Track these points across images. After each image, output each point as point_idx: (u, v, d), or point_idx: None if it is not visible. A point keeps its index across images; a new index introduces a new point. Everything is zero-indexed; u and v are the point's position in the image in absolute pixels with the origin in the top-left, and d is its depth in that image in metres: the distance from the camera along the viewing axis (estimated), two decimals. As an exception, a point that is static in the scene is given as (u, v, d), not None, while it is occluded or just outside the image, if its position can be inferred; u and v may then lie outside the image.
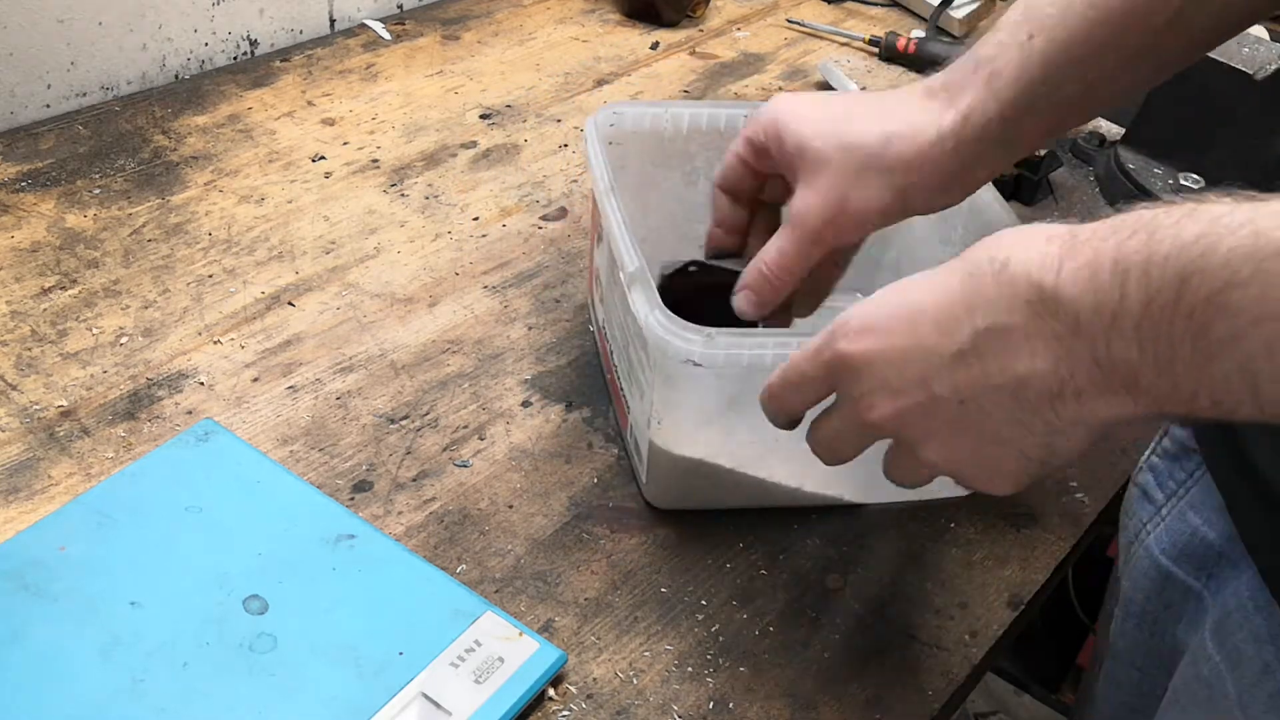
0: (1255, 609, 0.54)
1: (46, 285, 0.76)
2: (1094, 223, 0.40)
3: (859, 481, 0.66)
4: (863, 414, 0.47)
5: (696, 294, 0.62)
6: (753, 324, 0.61)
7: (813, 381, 0.49)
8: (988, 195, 0.68)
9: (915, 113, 0.55)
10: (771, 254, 0.58)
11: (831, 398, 0.49)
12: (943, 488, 0.67)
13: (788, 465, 0.64)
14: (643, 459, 0.64)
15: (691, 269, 0.64)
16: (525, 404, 0.72)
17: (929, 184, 0.55)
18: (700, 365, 0.56)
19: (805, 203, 0.57)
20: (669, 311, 0.57)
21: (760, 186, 0.62)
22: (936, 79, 0.56)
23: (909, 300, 0.45)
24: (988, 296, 0.41)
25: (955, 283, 0.43)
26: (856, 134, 0.56)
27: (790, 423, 0.52)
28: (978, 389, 0.42)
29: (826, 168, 0.56)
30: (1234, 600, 0.56)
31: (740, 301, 0.60)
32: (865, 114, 0.56)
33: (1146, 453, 0.66)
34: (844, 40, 1.20)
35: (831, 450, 0.51)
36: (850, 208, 0.56)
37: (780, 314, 0.62)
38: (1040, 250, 0.40)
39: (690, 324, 0.56)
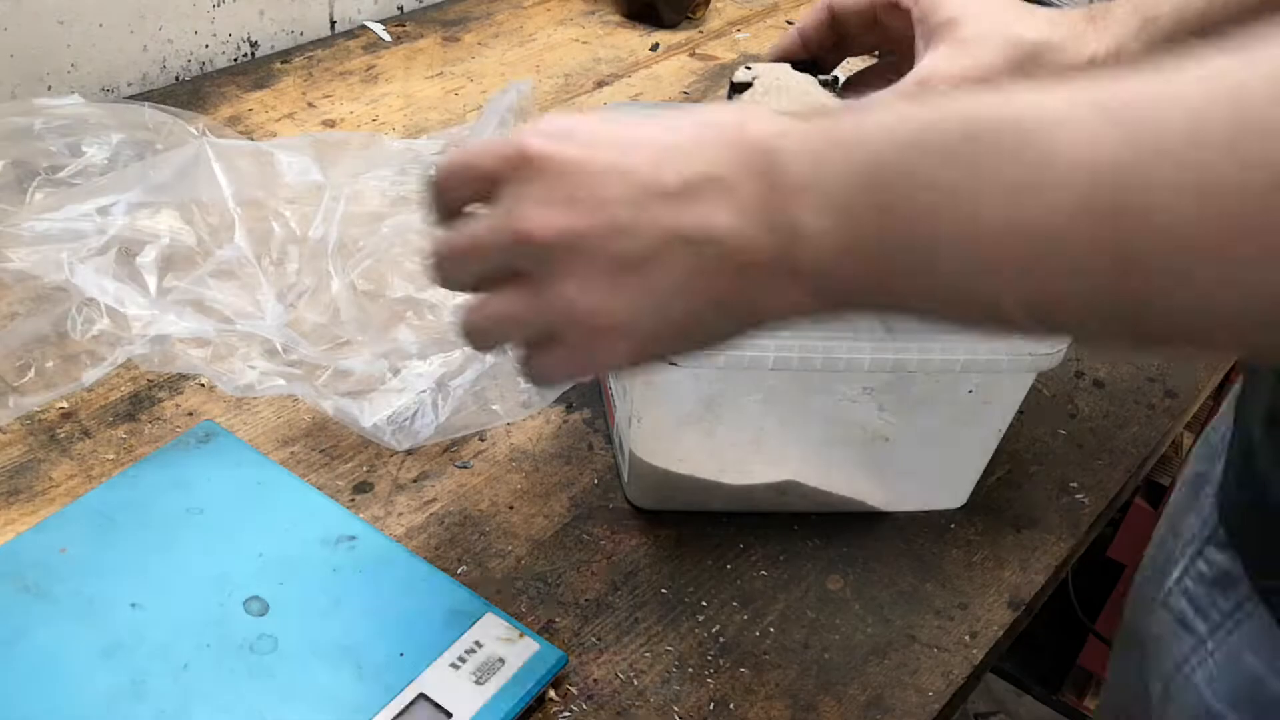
0: None
1: (47, 287, 0.76)
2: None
3: (846, 488, 0.66)
4: (519, 221, 0.40)
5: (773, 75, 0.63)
6: None
7: (481, 173, 0.41)
8: None
9: (1077, 31, 0.55)
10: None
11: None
12: (940, 499, 0.68)
13: (771, 469, 0.64)
14: (625, 459, 0.64)
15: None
16: (525, 405, 0.72)
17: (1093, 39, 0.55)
18: (676, 364, 0.56)
19: (943, 66, 0.55)
20: None
21: (861, 33, 0.63)
22: (1097, 8, 0.57)
23: (632, 129, 0.40)
24: (714, 148, 0.38)
25: (687, 127, 0.39)
26: (1022, 29, 0.55)
27: (445, 216, 0.44)
28: (666, 235, 0.38)
29: (981, 47, 0.55)
30: None
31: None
32: (1030, 16, 0.56)
33: (1176, 574, 0.60)
34: (844, 41, 1.20)
35: (458, 264, 0.42)
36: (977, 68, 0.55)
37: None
38: (773, 117, 0.38)
39: None
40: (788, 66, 0.64)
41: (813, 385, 0.60)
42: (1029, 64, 0.54)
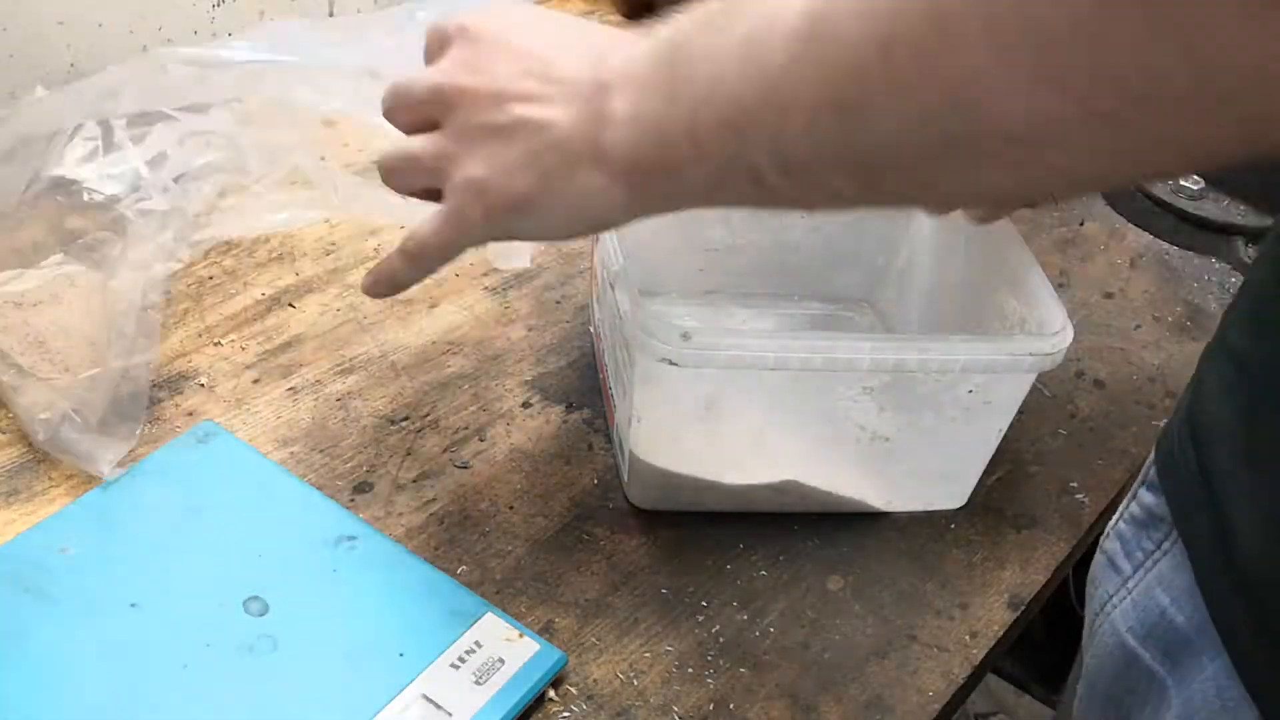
0: (1223, 707, 0.50)
1: (47, 287, 0.76)
2: None
3: (846, 488, 0.66)
4: (434, 72, 0.49)
5: None
6: None
7: (438, 38, 0.50)
8: (1011, 234, 0.67)
9: None
10: None
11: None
12: (940, 499, 0.68)
13: (771, 469, 0.64)
14: (625, 459, 0.64)
15: None
16: (526, 405, 0.72)
17: None
18: (676, 365, 0.56)
19: None
20: (649, 310, 0.57)
21: None
22: None
23: (550, 27, 0.49)
24: (585, 60, 0.45)
25: (582, 39, 0.47)
26: None
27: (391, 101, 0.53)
28: (522, 115, 0.45)
29: None
30: (1200, 695, 0.52)
31: None
32: None
33: (1115, 518, 0.62)
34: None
35: (392, 107, 0.51)
36: None
37: None
38: (640, 43, 0.44)
39: (666, 322, 0.56)
40: None
41: (813, 385, 0.60)
42: None
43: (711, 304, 0.80)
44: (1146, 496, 0.59)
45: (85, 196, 0.74)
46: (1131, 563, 0.59)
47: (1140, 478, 0.60)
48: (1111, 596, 0.60)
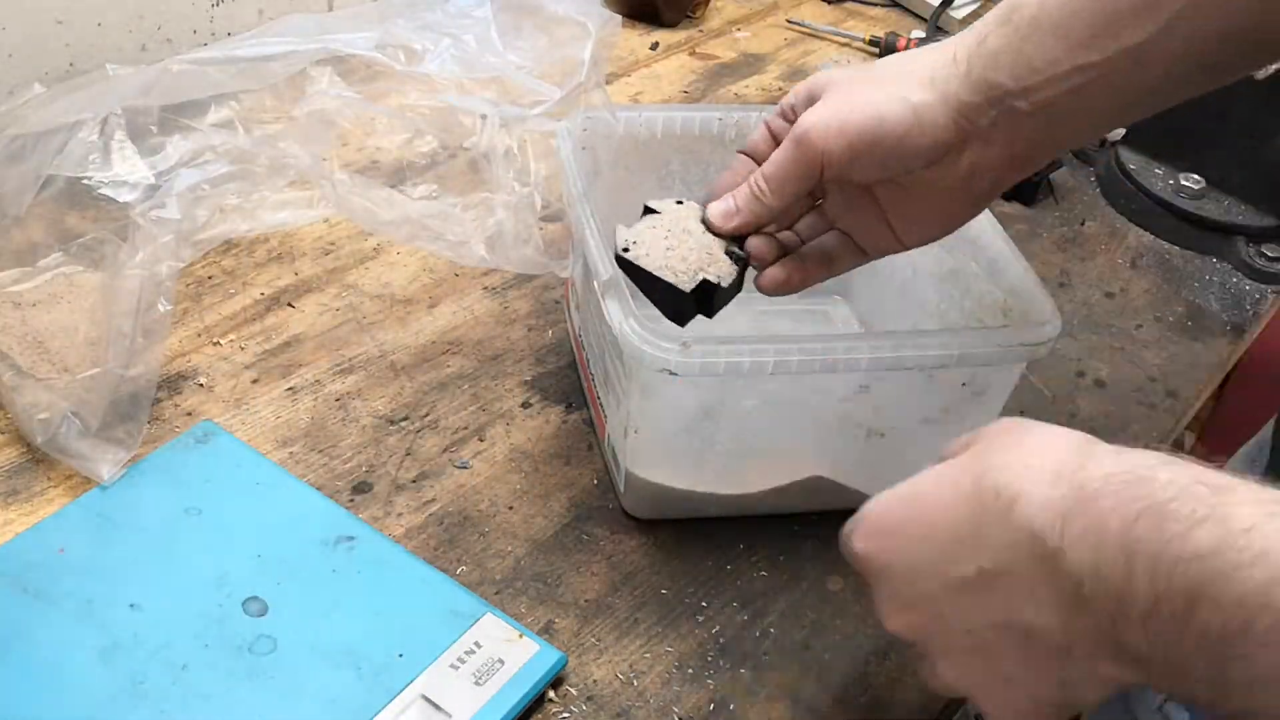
0: None
1: None
2: (1104, 463, 0.38)
3: (843, 486, 0.66)
4: (883, 617, 0.46)
5: (662, 235, 0.57)
6: (738, 263, 0.56)
7: (851, 557, 0.47)
8: (986, 225, 0.67)
9: (944, 44, 0.54)
10: (765, 166, 0.55)
11: None
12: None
13: (769, 472, 0.64)
14: (620, 469, 0.64)
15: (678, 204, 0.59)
16: (525, 405, 0.72)
17: (941, 109, 0.51)
18: (676, 375, 0.56)
19: (806, 113, 0.54)
20: (643, 320, 0.56)
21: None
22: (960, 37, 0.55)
23: (920, 513, 0.44)
24: (994, 537, 0.40)
25: (964, 509, 0.41)
26: (881, 62, 0.55)
27: None
28: (983, 624, 0.41)
29: (839, 86, 0.54)
30: None
31: (713, 210, 0.56)
32: (894, 57, 0.55)
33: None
34: (844, 40, 1.20)
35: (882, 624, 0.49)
36: (855, 115, 0.52)
37: (773, 263, 0.57)
38: (1045, 495, 0.38)
39: (666, 333, 0.55)
40: (699, 213, 0.57)
41: (809, 386, 0.60)
42: (889, 76, 0.53)
43: None
44: None
45: (93, 197, 0.74)
46: None
47: None
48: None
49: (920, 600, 0.43)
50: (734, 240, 0.57)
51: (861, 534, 0.46)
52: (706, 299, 0.55)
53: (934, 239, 0.57)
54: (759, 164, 0.57)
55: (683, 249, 0.56)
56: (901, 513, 0.45)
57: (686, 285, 0.54)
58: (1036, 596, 0.39)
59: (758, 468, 0.64)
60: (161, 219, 0.72)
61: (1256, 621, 0.32)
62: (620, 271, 0.57)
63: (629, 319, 0.56)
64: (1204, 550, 0.34)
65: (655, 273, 0.55)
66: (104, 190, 0.75)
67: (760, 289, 0.58)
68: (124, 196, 0.74)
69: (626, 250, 0.56)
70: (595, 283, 0.59)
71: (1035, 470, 0.39)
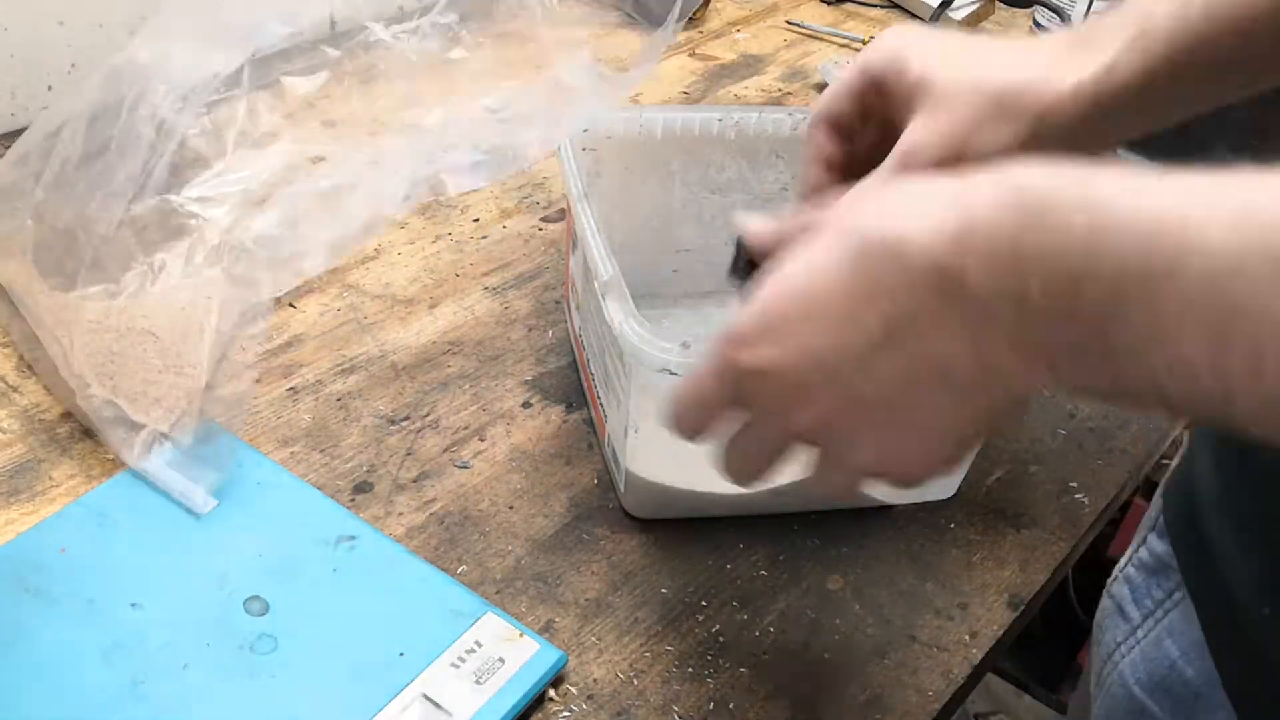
0: None
1: (49, 286, 0.76)
2: (980, 180, 0.37)
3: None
4: (782, 426, 0.43)
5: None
6: None
7: (717, 399, 0.44)
8: None
9: (1056, 60, 0.51)
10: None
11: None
12: (931, 489, 0.68)
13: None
14: (621, 469, 0.64)
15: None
16: (526, 405, 0.72)
17: (1058, 135, 0.50)
18: (676, 375, 0.55)
19: (921, 136, 0.51)
20: (643, 319, 0.56)
21: (862, 126, 0.56)
22: (1082, 28, 0.52)
23: (797, 291, 0.40)
24: (888, 284, 0.38)
25: (846, 266, 0.39)
26: (991, 74, 0.51)
27: (701, 437, 0.47)
28: (902, 380, 0.39)
29: (952, 104, 0.51)
30: None
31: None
32: (1000, 56, 0.52)
33: (1123, 561, 0.60)
34: (843, 42, 1.20)
35: (748, 470, 0.46)
36: (971, 148, 0.50)
37: None
38: (934, 229, 0.37)
39: (666, 333, 0.55)
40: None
41: None
42: (1007, 105, 0.51)
43: (688, 307, 0.79)
44: (1156, 543, 0.58)
45: (182, 213, 0.75)
46: (1140, 611, 0.58)
47: (1149, 523, 0.58)
48: (1120, 645, 0.59)
49: (828, 386, 0.40)
50: None
51: (743, 342, 0.41)
52: None
53: None
54: (838, 134, 0.56)
55: None
56: (783, 304, 0.41)
57: None
58: (947, 329, 0.37)
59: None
60: (255, 252, 0.73)
61: (1128, 286, 0.33)
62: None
63: (629, 319, 0.56)
64: (1079, 236, 0.34)
65: None
66: (198, 211, 0.76)
67: None
68: (210, 212, 0.75)
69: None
70: (595, 283, 0.59)
71: (917, 209, 0.38)
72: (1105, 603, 0.61)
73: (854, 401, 0.40)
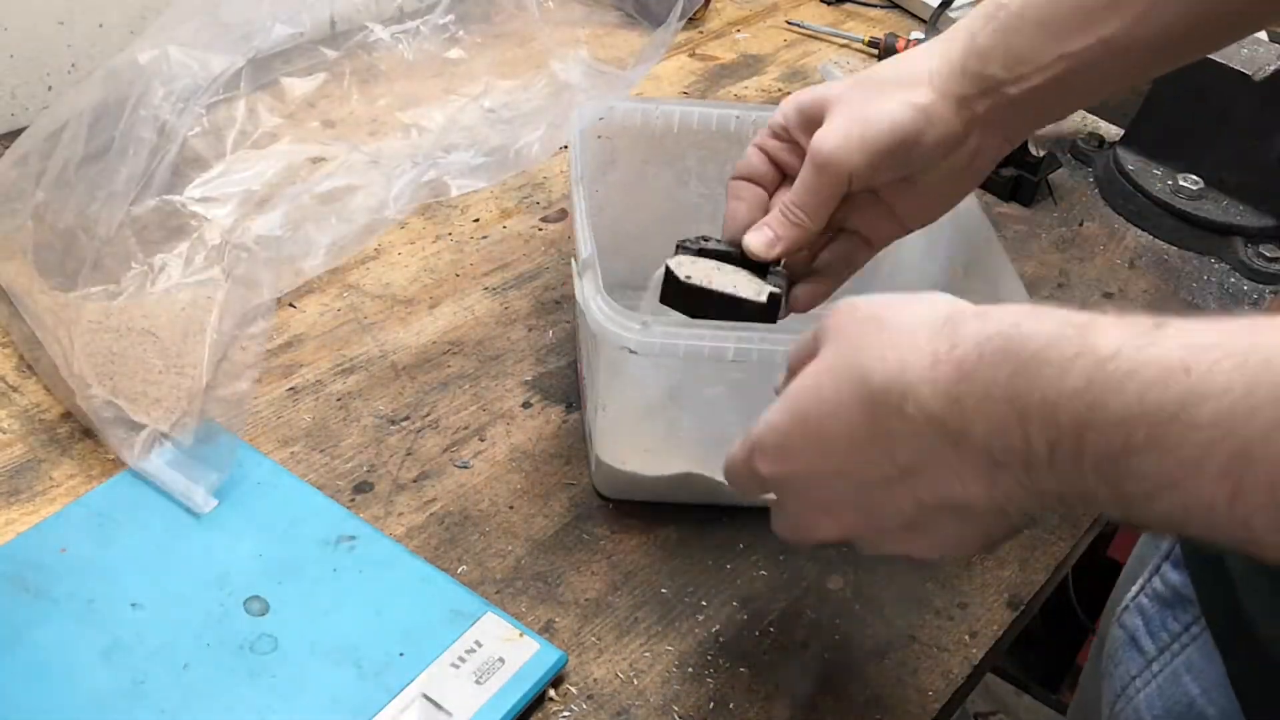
0: None
1: (49, 286, 0.76)
2: (971, 334, 0.39)
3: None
4: (807, 531, 0.47)
5: (711, 267, 0.60)
6: (780, 292, 0.59)
7: (755, 484, 0.48)
8: (973, 210, 0.68)
9: (932, 45, 0.58)
10: (791, 191, 0.58)
11: None
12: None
13: None
14: (592, 447, 0.65)
15: (705, 243, 0.61)
16: (526, 405, 0.72)
17: (945, 105, 0.56)
18: (636, 353, 0.56)
19: (821, 134, 0.57)
20: (610, 299, 0.57)
21: (779, 178, 0.61)
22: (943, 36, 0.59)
23: (813, 430, 0.44)
24: (899, 433, 0.41)
25: (855, 415, 0.42)
26: (874, 70, 0.59)
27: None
28: (920, 509, 0.42)
29: (843, 101, 0.57)
30: None
31: (751, 238, 0.59)
32: (886, 63, 0.60)
33: (1134, 590, 0.60)
34: (843, 42, 1.20)
35: (793, 538, 0.50)
36: (871, 129, 0.56)
37: (807, 274, 0.62)
38: (930, 383, 0.39)
39: (628, 311, 0.56)
40: (716, 265, 0.60)
41: (774, 378, 0.59)
42: (891, 81, 0.57)
43: None
44: (1172, 574, 0.58)
45: (183, 213, 0.75)
46: (1156, 644, 0.58)
47: (1163, 552, 0.58)
48: (1134, 679, 0.58)
49: (847, 504, 0.45)
50: (772, 265, 0.60)
51: (765, 454, 0.46)
52: (774, 310, 0.58)
53: (936, 219, 0.62)
54: (762, 186, 0.61)
55: (732, 276, 0.59)
56: (796, 434, 0.45)
57: (761, 298, 0.58)
58: (960, 474, 0.40)
59: (721, 455, 0.63)
60: (259, 255, 0.73)
61: (1135, 434, 0.34)
62: (665, 304, 0.59)
63: (597, 296, 0.56)
64: (1080, 386, 0.35)
65: (728, 291, 0.58)
66: (203, 212, 0.76)
67: (795, 310, 0.61)
68: (213, 212, 0.75)
69: (689, 279, 0.58)
70: (574, 261, 0.60)
71: (912, 360, 0.40)
72: (1116, 632, 0.61)
73: (877, 518, 0.44)
